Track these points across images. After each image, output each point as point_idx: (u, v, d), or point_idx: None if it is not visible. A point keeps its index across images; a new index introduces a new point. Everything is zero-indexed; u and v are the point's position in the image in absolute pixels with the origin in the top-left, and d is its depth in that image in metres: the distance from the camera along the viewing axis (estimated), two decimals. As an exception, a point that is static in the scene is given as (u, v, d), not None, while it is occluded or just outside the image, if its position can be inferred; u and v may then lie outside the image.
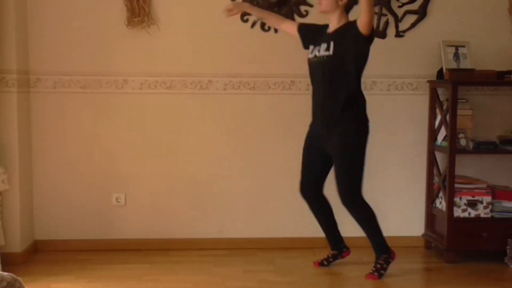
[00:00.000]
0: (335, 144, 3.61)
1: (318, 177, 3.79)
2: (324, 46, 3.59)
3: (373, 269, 3.70)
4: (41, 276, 3.67)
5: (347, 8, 3.63)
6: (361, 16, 3.42)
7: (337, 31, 3.60)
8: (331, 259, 3.92)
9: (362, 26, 3.43)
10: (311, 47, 3.70)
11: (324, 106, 3.63)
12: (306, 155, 3.79)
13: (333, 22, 3.63)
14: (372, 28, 3.48)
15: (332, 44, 3.55)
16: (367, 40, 3.51)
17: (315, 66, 3.66)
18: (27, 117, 4.12)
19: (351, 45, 3.52)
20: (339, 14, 3.60)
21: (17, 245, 3.93)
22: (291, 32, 3.86)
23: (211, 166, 4.31)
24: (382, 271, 3.69)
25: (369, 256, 4.07)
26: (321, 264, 3.90)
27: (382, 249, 3.74)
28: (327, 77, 3.58)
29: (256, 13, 3.98)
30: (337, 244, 3.94)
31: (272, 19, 3.97)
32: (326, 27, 3.70)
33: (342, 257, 3.93)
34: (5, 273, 2.15)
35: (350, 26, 3.52)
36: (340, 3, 3.57)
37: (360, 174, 3.64)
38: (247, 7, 3.97)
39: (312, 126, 3.77)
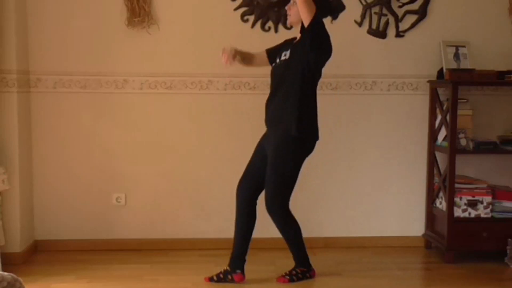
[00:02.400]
0: (271, 146, 3.54)
1: (257, 179, 3.61)
2: (284, 53, 3.60)
3: (287, 273, 3.62)
4: (41, 276, 3.67)
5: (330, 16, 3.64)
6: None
7: (297, 41, 3.55)
8: (221, 275, 3.61)
9: (300, 9, 3.38)
10: (277, 58, 3.67)
11: (270, 107, 3.60)
12: (253, 155, 3.71)
13: (298, 33, 3.57)
14: (313, 18, 3.36)
15: (289, 50, 3.55)
16: (308, 30, 3.38)
17: (273, 72, 3.65)
18: (27, 117, 4.12)
19: (303, 50, 3.45)
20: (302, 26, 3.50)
21: (17, 245, 3.93)
22: (263, 61, 3.76)
23: (211, 166, 4.31)
24: (294, 278, 3.61)
25: (369, 257, 4.08)
26: (210, 279, 3.62)
27: (302, 262, 3.67)
28: (277, 79, 3.58)
29: (245, 62, 3.76)
30: (237, 260, 3.61)
31: (255, 61, 3.79)
32: (292, 40, 3.66)
33: (232, 278, 3.58)
34: (5, 273, 2.15)
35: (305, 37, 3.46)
36: None
37: (284, 183, 3.51)
38: (238, 59, 3.72)
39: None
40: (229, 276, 3.58)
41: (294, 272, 3.65)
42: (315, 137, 3.58)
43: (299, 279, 3.63)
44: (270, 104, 3.61)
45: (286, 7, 3.62)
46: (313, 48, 3.42)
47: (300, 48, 3.48)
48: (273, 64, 3.68)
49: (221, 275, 3.59)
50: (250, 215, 3.64)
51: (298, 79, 3.47)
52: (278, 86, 3.58)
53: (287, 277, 3.62)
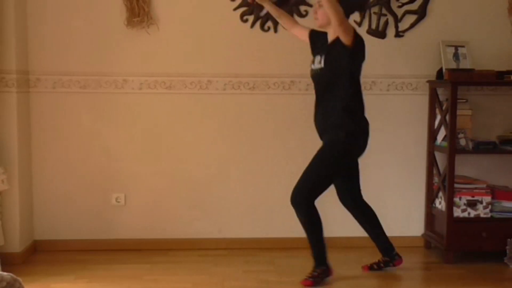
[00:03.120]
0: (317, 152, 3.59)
1: (344, 186, 3.77)
2: (318, 58, 3.59)
3: (309, 275, 3.58)
4: (41, 276, 3.66)
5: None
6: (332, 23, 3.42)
7: (331, 43, 3.55)
8: (382, 265, 3.87)
9: (338, 33, 3.41)
10: (312, 58, 3.68)
11: (318, 117, 3.62)
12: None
13: (330, 34, 3.59)
14: (353, 38, 3.43)
15: (324, 57, 3.53)
16: (352, 52, 3.45)
17: (312, 78, 3.66)
18: (26, 117, 4.12)
19: (340, 58, 3.47)
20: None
21: (16, 245, 3.93)
22: (301, 37, 3.82)
23: (211, 166, 4.31)
24: (318, 279, 3.57)
25: (369, 257, 4.07)
26: (370, 268, 3.85)
27: (320, 261, 3.62)
28: (321, 89, 3.59)
29: (273, 11, 3.88)
30: (385, 250, 3.87)
31: (285, 20, 3.89)
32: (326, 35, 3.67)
33: (394, 265, 3.86)
34: (5, 273, 2.15)
35: (339, 39, 3.47)
36: None
37: (318, 181, 3.55)
38: (267, 3, 3.86)
39: None
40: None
41: (315, 274, 3.58)
42: (356, 137, 3.59)
43: (321, 281, 3.58)
44: (317, 114, 3.62)
45: (312, 11, 3.62)
46: (352, 59, 3.48)
47: (335, 57, 3.48)
48: (311, 71, 3.65)
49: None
50: (363, 212, 3.86)
51: (337, 86, 3.49)
52: (319, 92, 3.59)
53: (311, 279, 3.56)
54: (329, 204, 4.28)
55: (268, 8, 3.89)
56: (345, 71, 3.48)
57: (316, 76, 3.60)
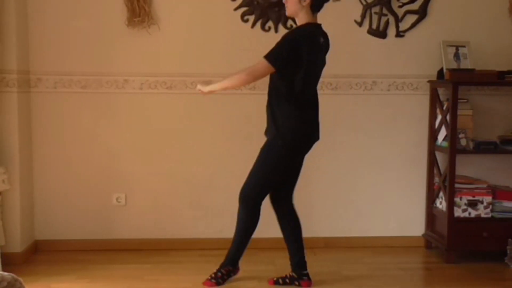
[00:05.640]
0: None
1: (280, 187, 3.61)
2: None
3: (213, 275, 3.55)
4: (41, 276, 3.67)
5: (314, 7, 3.41)
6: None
7: None
8: (287, 280, 3.59)
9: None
10: None
11: (267, 114, 3.51)
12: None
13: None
14: (271, 65, 3.34)
15: None
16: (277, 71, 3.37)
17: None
18: (27, 117, 4.12)
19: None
20: (302, 16, 3.42)
21: (17, 245, 3.93)
22: None
23: (212, 166, 4.31)
24: (220, 280, 3.53)
25: (369, 257, 4.08)
26: (276, 282, 3.60)
27: (232, 260, 3.57)
28: (269, 86, 3.51)
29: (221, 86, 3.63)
30: (297, 267, 3.59)
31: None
32: None
33: (299, 284, 3.56)
34: (6, 273, 2.15)
35: None
36: (303, 4, 3.38)
37: (263, 181, 3.50)
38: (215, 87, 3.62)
39: None
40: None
41: (219, 274, 3.55)
42: (306, 139, 3.48)
43: (224, 282, 3.54)
44: (266, 110, 3.54)
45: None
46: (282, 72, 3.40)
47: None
48: None
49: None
50: (282, 217, 3.66)
51: (279, 86, 3.42)
52: (268, 92, 3.52)
53: (213, 280, 3.53)
54: (328, 205, 4.28)
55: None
56: (287, 68, 3.37)
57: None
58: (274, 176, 3.51)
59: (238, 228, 3.57)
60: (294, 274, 3.58)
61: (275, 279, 3.61)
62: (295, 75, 3.36)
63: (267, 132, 3.51)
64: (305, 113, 3.43)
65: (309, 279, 3.56)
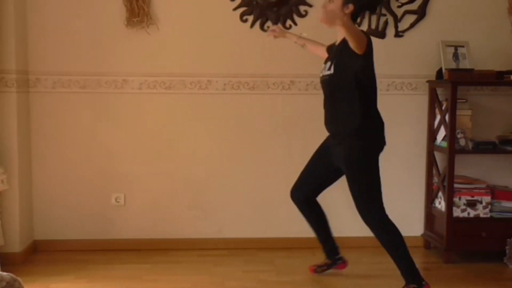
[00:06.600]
0: (342, 160, 3.42)
1: (316, 184, 3.63)
2: (327, 65, 3.42)
3: None
4: (40, 276, 3.67)
5: (355, 15, 3.33)
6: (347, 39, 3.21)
7: (339, 46, 3.40)
8: (325, 267, 3.78)
9: (352, 45, 3.18)
10: (323, 64, 3.53)
11: (331, 124, 3.47)
12: (313, 160, 3.64)
13: (339, 34, 3.39)
14: (366, 47, 3.20)
15: (334, 62, 3.35)
16: (363, 58, 3.21)
17: (322, 85, 3.50)
18: (26, 117, 4.12)
19: (351, 61, 3.24)
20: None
21: (16, 245, 3.93)
22: (323, 56, 3.67)
23: (211, 166, 4.31)
24: None
25: (369, 257, 4.08)
26: (315, 270, 3.78)
27: (410, 276, 3.36)
28: (330, 96, 3.43)
29: (298, 41, 3.78)
30: (330, 253, 3.78)
31: (312, 47, 3.78)
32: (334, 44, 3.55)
33: (337, 268, 3.77)
34: (5, 273, 2.15)
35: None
36: (346, 11, 3.24)
37: (372, 191, 3.35)
38: (290, 35, 3.80)
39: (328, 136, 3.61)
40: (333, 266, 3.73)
41: None
42: (376, 137, 3.41)
43: None
44: (329, 121, 3.47)
45: (321, 7, 3.33)
46: (368, 71, 3.30)
47: (349, 64, 3.27)
48: (321, 78, 3.49)
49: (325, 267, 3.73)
50: (315, 212, 3.71)
51: (350, 89, 3.30)
52: (327, 100, 3.46)
53: None
54: (327, 205, 4.28)
55: (291, 38, 3.79)
56: (353, 76, 3.26)
57: (326, 83, 3.43)
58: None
59: (387, 248, 3.39)
60: (328, 261, 3.79)
61: (314, 266, 3.79)
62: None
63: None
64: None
65: (343, 261, 3.80)
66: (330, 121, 3.49)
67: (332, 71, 3.35)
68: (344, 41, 3.29)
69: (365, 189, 3.37)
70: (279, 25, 3.97)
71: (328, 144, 3.56)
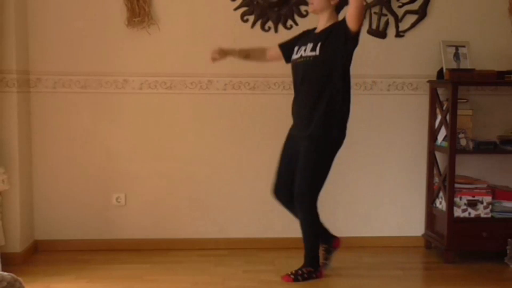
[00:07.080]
0: (304, 146, 3.52)
1: (293, 180, 3.63)
2: (310, 46, 3.50)
3: (293, 272, 3.60)
4: (41, 276, 3.67)
5: (338, 9, 3.56)
6: (350, 6, 3.34)
7: (325, 31, 3.51)
8: (328, 257, 3.80)
9: (351, 17, 3.32)
10: (296, 48, 3.60)
11: (301, 107, 3.53)
12: (283, 157, 3.71)
13: (322, 22, 3.55)
14: (360, 24, 3.37)
15: (319, 44, 3.46)
16: (354, 37, 3.39)
17: (299, 66, 3.55)
18: (27, 117, 4.12)
19: (339, 45, 3.41)
20: (329, 14, 3.52)
21: (17, 245, 3.93)
22: (277, 56, 3.77)
23: (211, 166, 4.31)
24: (299, 277, 3.58)
25: (368, 257, 4.08)
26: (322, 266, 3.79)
27: (311, 262, 3.62)
28: (308, 77, 3.49)
29: (239, 55, 3.84)
30: (325, 239, 3.79)
31: (257, 54, 3.84)
32: (311, 30, 3.65)
33: (334, 247, 3.79)
34: (5, 273, 2.15)
35: (339, 25, 3.44)
36: (332, 2, 3.50)
37: (317, 179, 3.53)
38: (230, 51, 3.82)
39: (291, 128, 3.68)
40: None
41: (300, 272, 3.60)
42: (342, 130, 3.54)
43: (304, 279, 3.59)
44: (301, 104, 3.54)
45: None
46: (352, 45, 3.42)
47: (333, 43, 3.42)
48: (299, 58, 3.56)
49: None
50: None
51: (332, 75, 3.43)
52: (304, 83, 3.51)
53: (292, 276, 3.58)
54: (327, 205, 4.28)
55: (234, 55, 3.84)
56: (340, 60, 3.42)
57: (306, 64, 3.49)
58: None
59: (304, 231, 3.63)
60: (325, 245, 3.77)
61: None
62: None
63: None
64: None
65: (335, 237, 3.79)
66: (303, 104, 3.53)
67: (317, 52, 3.45)
68: (330, 27, 3.48)
69: (316, 176, 3.52)
70: (218, 48, 3.80)
71: (292, 135, 3.64)
